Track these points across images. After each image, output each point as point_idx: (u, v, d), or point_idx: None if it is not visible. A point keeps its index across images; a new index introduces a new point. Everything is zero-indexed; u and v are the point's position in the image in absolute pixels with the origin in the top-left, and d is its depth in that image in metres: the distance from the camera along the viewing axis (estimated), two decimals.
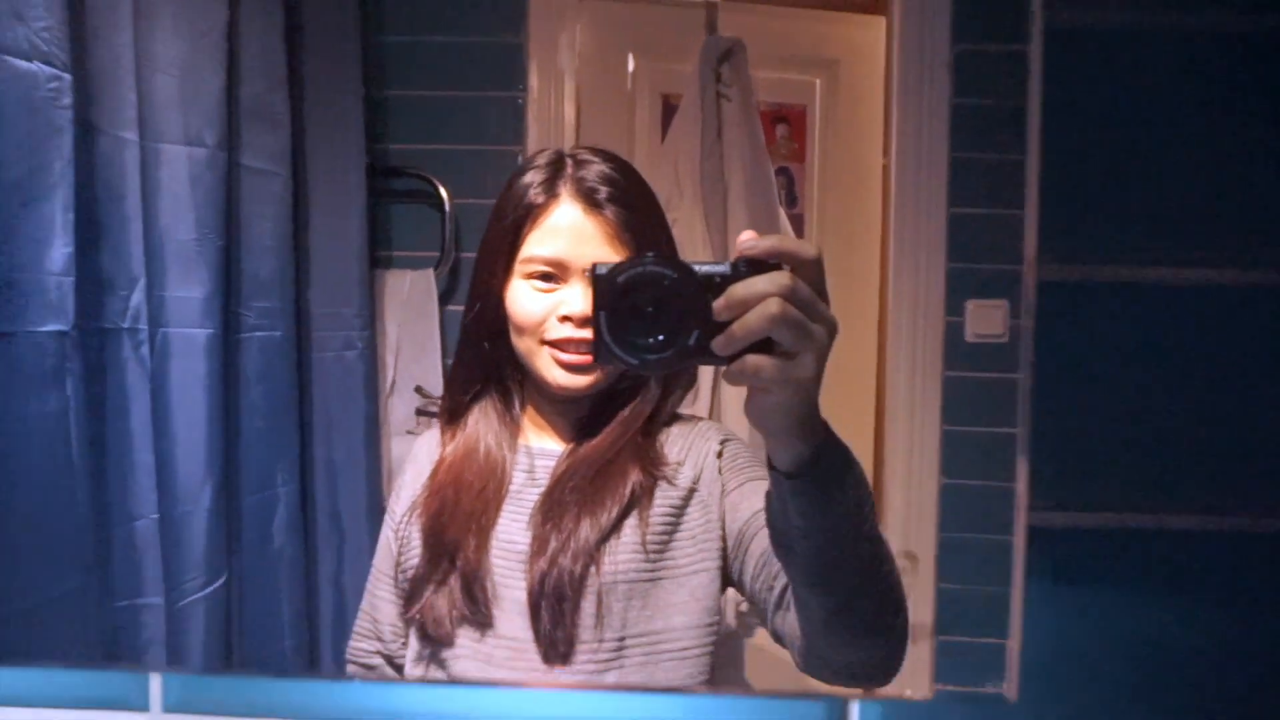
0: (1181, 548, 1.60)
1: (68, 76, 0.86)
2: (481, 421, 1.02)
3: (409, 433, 1.60)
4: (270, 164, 1.30)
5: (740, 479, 0.98)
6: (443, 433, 1.05)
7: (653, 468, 0.96)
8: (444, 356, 1.65)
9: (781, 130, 1.94)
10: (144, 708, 1.09)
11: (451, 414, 1.04)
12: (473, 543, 0.94)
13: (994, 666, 1.74)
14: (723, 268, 0.57)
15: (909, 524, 1.63)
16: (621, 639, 0.89)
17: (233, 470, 1.26)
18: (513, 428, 1.02)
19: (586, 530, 0.91)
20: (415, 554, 0.98)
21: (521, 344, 0.96)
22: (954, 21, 1.67)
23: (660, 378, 0.99)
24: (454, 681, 0.92)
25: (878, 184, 2.04)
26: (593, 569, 0.90)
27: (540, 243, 0.94)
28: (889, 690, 1.00)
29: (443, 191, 1.64)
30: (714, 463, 0.99)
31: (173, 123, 1.07)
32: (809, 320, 0.57)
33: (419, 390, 1.60)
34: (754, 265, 0.57)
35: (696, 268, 0.57)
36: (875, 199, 2.04)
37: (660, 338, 0.57)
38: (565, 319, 0.93)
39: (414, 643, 0.98)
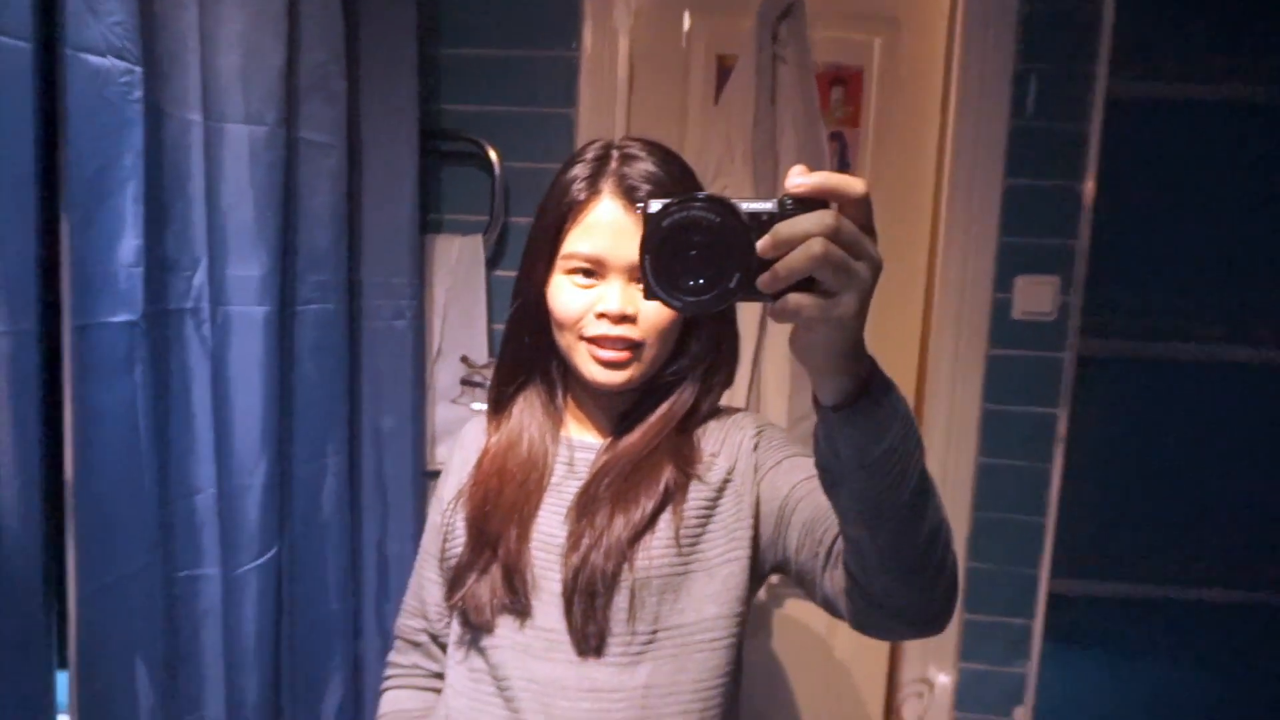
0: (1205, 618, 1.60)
1: (139, 69, 0.81)
2: (526, 412, 1.02)
3: (453, 401, 1.61)
4: (328, 136, 1.29)
5: (778, 457, 0.97)
6: (489, 421, 1.05)
7: (687, 465, 0.96)
8: (490, 322, 1.65)
9: (837, 93, 1.88)
10: None
11: (497, 404, 1.04)
12: (514, 533, 0.95)
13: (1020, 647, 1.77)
14: (770, 205, 0.56)
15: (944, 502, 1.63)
16: (654, 632, 0.91)
17: (286, 443, 1.25)
18: (556, 419, 1.02)
19: (620, 527, 0.92)
20: (459, 541, 0.99)
21: (562, 339, 0.95)
22: None
23: (699, 374, 0.99)
24: (492, 669, 0.94)
25: (933, 151, 1.99)
26: (625, 566, 0.91)
27: (580, 239, 0.92)
28: None
29: (492, 155, 1.62)
30: (750, 452, 0.98)
31: (235, 102, 1.05)
32: (852, 259, 0.56)
33: (464, 360, 1.61)
34: (801, 203, 0.56)
35: (743, 205, 0.56)
36: (930, 166, 1.99)
37: (701, 280, 0.57)
38: (602, 315, 0.92)
39: (456, 626, 1.00)
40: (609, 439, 1.00)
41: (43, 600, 0.82)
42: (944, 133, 1.82)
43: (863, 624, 0.80)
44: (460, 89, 1.64)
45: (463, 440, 1.09)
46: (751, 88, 1.69)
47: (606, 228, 0.91)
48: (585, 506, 0.94)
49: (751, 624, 1.04)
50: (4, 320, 0.75)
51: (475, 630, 0.96)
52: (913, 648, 1.77)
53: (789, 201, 0.57)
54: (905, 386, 1.90)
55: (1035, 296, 1.70)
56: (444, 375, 1.62)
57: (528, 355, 1.01)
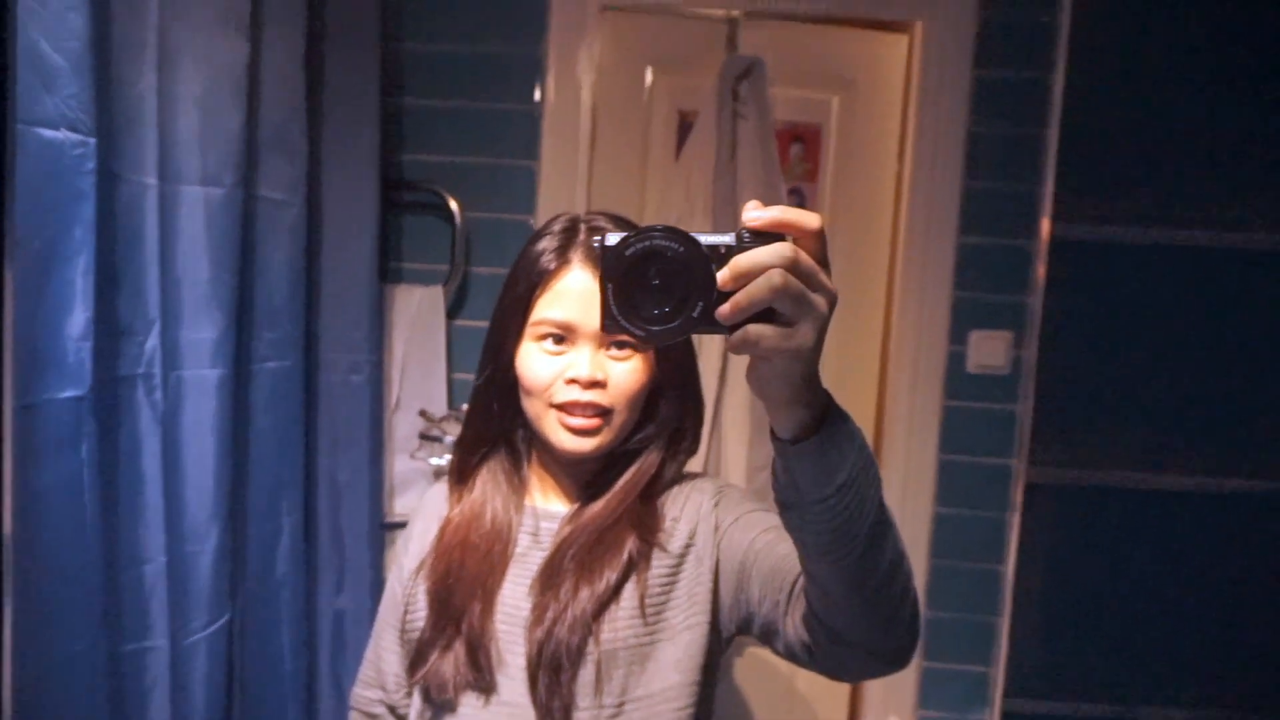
0: None
1: (93, 140, 0.81)
2: (489, 484, 1.01)
3: (411, 456, 1.59)
4: (286, 194, 1.28)
5: (736, 513, 0.98)
6: (451, 491, 1.04)
7: (649, 534, 0.96)
8: (450, 372, 1.64)
9: (796, 150, 1.91)
10: None
11: (460, 474, 1.03)
12: (478, 608, 0.94)
13: (978, 694, 1.79)
14: (727, 238, 0.57)
15: None
16: (620, 704, 0.90)
17: (240, 504, 1.26)
18: (520, 489, 1.02)
19: (584, 599, 0.91)
20: (421, 614, 0.98)
21: (531, 407, 0.95)
22: (977, 45, 1.64)
23: (664, 441, 0.99)
24: None
25: (889, 207, 2.03)
26: (591, 639, 0.90)
27: (550, 305, 0.92)
28: None
29: (453, 205, 1.62)
30: (710, 511, 0.99)
31: (192, 164, 1.04)
32: (810, 291, 0.57)
33: (423, 414, 1.59)
34: (758, 236, 0.57)
35: (701, 239, 0.57)
36: (886, 221, 2.03)
37: (667, 309, 0.57)
38: (572, 381, 0.92)
39: (417, 701, 0.98)
40: (574, 507, 0.99)
41: None
42: (900, 190, 1.86)
43: (827, 663, 0.81)
44: (423, 140, 1.64)
45: (424, 508, 1.07)
46: (712, 143, 1.71)
47: (576, 295, 0.92)
48: (550, 578, 0.93)
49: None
50: None
51: (437, 708, 0.94)
52: (873, 695, 1.77)
53: (746, 235, 0.57)
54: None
55: (989, 351, 1.73)
56: (403, 426, 1.60)
57: (494, 426, 1.01)
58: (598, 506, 0.97)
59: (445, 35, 1.62)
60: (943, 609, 1.74)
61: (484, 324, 1.00)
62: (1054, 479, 1.69)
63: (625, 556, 0.93)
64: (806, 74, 1.86)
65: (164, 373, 1.06)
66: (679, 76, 1.79)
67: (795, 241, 0.58)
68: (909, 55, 1.82)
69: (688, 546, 0.96)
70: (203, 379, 1.11)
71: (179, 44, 1.01)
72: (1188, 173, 1.65)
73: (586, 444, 0.93)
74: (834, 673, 0.82)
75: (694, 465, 1.06)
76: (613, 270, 0.57)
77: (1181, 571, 1.69)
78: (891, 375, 1.80)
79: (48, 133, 0.78)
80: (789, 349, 0.57)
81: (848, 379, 1.92)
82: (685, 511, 0.98)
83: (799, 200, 1.91)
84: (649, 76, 1.79)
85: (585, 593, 0.91)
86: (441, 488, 1.06)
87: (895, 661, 0.78)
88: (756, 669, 1.80)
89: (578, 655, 0.89)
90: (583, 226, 0.95)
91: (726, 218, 1.77)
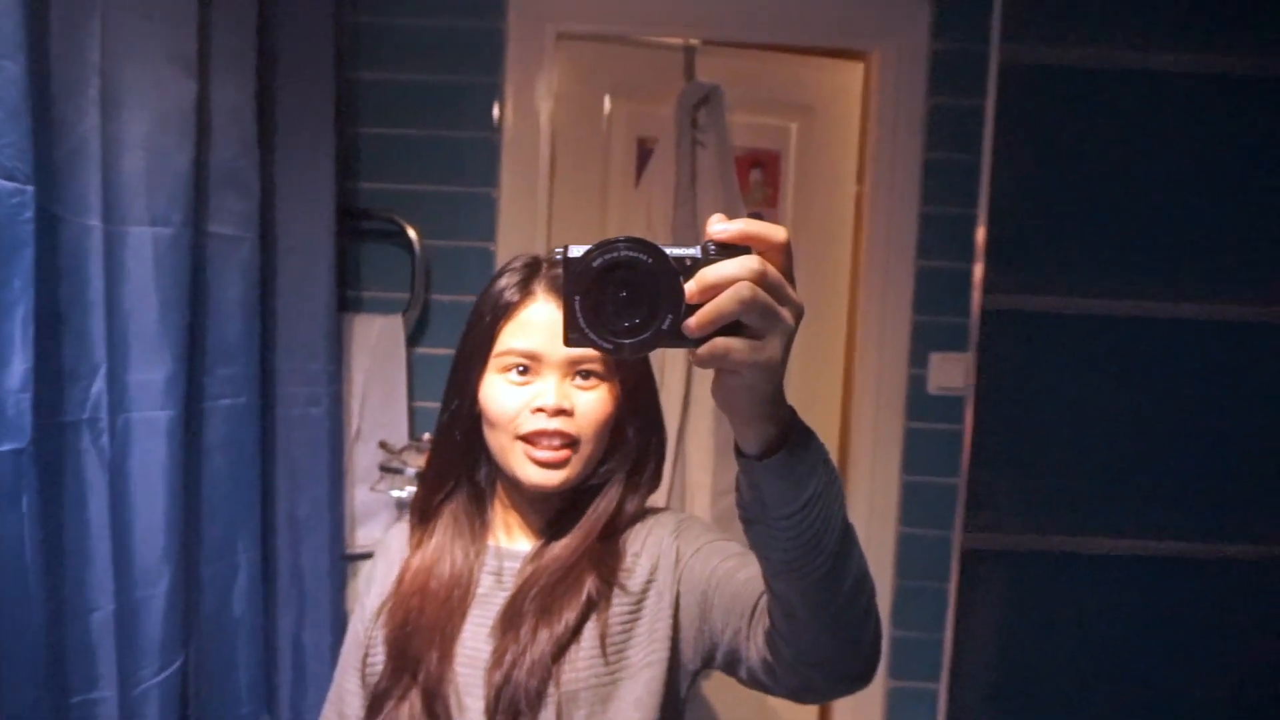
0: None
1: (30, 189, 0.80)
2: (451, 527, 1.00)
3: (372, 489, 1.57)
4: (238, 229, 1.27)
5: (697, 544, 0.97)
6: (411, 533, 1.03)
7: (610, 574, 0.95)
8: (410, 401, 1.62)
9: (755, 175, 1.93)
10: None
11: (422, 514, 1.02)
12: (435, 656, 0.92)
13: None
14: (693, 251, 0.56)
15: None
16: None
17: (193, 546, 1.20)
18: (481, 533, 1.01)
19: (544, 641, 0.90)
20: (380, 658, 0.96)
21: (496, 440, 0.94)
22: (931, 73, 1.66)
23: (625, 475, 0.99)
24: None
25: (848, 231, 2.05)
26: (551, 682, 0.90)
27: (515, 335, 0.92)
28: None
29: (412, 233, 1.61)
30: (671, 546, 0.98)
31: (138, 204, 1.02)
32: (777, 304, 0.57)
33: (383, 445, 1.57)
34: (723, 249, 0.56)
35: (667, 251, 0.56)
36: (846, 244, 2.05)
37: (636, 320, 0.56)
38: (538, 410, 0.92)
39: None
40: (537, 544, 0.98)
41: None
42: (859, 215, 1.88)
43: (790, 682, 0.80)
44: (382, 168, 1.63)
45: (387, 547, 1.06)
46: (672, 170, 1.72)
47: (541, 325, 0.91)
48: (510, 621, 0.92)
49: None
50: None
51: None
52: (841, 715, 1.78)
53: (712, 247, 0.57)
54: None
55: (948, 372, 1.75)
56: (364, 457, 1.58)
57: (457, 462, 1.00)
58: (559, 546, 0.97)
59: (403, 64, 1.61)
60: (908, 628, 1.75)
61: (446, 351, 0.99)
62: (989, 544, 1.73)
63: (584, 597, 0.92)
64: (765, 101, 1.87)
65: (110, 416, 1.04)
66: (637, 104, 1.80)
67: (761, 255, 0.57)
68: (865, 82, 1.84)
69: (649, 582, 0.95)
70: (152, 420, 1.09)
71: (123, 85, 0.99)
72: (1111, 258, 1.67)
73: (554, 477, 0.93)
74: (797, 693, 0.82)
75: (660, 490, 1.06)
76: (578, 282, 0.56)
77: (1123, 635, 1.73)
78: (856, 397, 1.81)
79: None
80: (757, 362, 0.57)
81: (814, 403, 1.93)
82: (646, 546, 0.98)
83: None
84: (607, 104, 1.79)
85: (544, 635, 0.90)
86: (404, 526, 1.05)
87: (859, 679, 0.78)
88: (726, 691, 1.80)
89: (536, 699, 0.88)
90: (544, 263, 0.95)
91: (688, 243, 1.78)
